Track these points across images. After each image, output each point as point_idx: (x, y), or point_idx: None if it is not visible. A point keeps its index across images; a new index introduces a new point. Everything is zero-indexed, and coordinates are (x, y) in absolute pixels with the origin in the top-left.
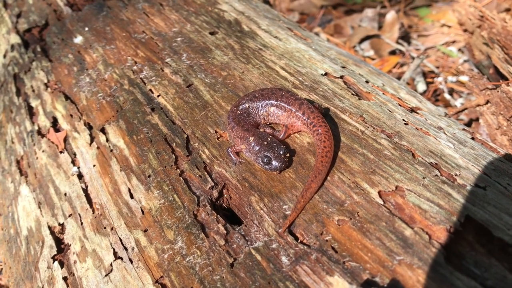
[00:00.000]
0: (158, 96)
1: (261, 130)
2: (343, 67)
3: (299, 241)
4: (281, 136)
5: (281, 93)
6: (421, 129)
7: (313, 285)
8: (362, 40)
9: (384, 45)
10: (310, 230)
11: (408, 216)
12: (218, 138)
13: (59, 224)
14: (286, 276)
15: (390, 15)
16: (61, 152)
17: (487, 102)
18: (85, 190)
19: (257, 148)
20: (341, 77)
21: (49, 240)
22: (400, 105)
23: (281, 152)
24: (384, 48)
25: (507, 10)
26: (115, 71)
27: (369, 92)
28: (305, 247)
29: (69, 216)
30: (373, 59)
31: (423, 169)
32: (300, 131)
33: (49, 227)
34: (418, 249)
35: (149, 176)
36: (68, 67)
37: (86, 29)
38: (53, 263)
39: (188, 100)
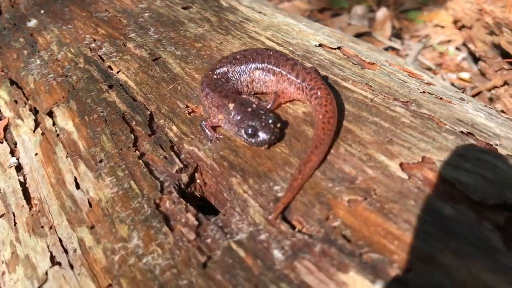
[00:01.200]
0: (118, 72)
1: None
2: (339, 42)
3: (296, 229)
4: (270, 105)
5: (268, 53)
6: (441, 98)
7: (319, 286)
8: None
9: (376, 43)
10: (311, 215)
11: (443, 193)
12: (189, 114)
13: None
14: (281, 275)
15: (381, 13)
16: (0, 142)
17: (505, 83)
18: (22, 184)
19: (239, 117)
20: (339, 48)
21: None
22: (412, 76)
23: (270, 121)
24: (376, 45)
25: (503, 7)
26: (70, 50)
27: (373, 63)
28: (306, 236)
29: (1, 216)
30: None
31: (453, 137)
32: (294, 100)
33: None
34: (464, 232)
35: (100, 161)
36: (17, 51)
37: (42, 11)
38: None
39: (154, 74)
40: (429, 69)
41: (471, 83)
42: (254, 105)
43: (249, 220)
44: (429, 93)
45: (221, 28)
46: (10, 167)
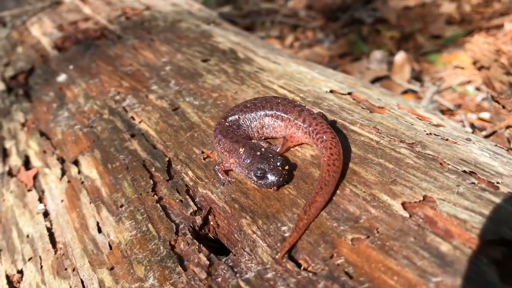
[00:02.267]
0: (140, 122)
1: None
2: (351, 87)
3: (302, 268)
4: (279, 149)
5: (277, 100)
6: (447, 139)
7: None
8: (372, 83)
9: (395, 86)
10: (316, 254)
11: (442, 230)
12: (204, 159)
13: (18, 272)
14: None
15: (400, 56)
16: (29, 190)
17: None
18: (49, 229)
19: (249, 160)
20: (349, 93)
21: None
22: (420, 119)
23: (278, 164)
24: (395, 89)
25: None
26: (95, 103)
27: (382, 107)
28: (310, 274)
29: (29, 260)
30: None
31: (455, 176)
32: (302, 143)
33: (7, 276)
34: (460, 267)
35: (121, 206)
36: (47, 104)
37: (71, 67)
38: None
39: (173, 123)
40: (448, 110)
41: (492, 123)
42: (263, 149)
43: (258, 260)
44: (435, 134)
45: (236, 78)
46: (38, 213)
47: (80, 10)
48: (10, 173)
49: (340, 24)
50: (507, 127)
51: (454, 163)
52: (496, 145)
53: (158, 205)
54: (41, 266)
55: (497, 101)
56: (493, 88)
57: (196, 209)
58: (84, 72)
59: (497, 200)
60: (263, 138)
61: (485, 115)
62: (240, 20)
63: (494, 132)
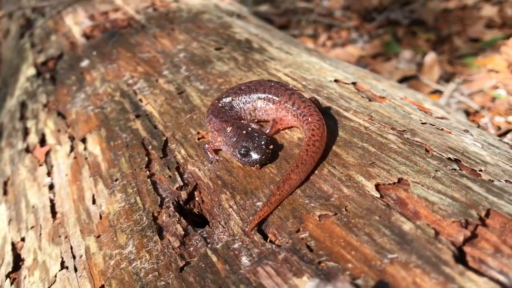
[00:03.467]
0: (146, 104)
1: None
2: (359, 78)
3: (268, 240)
4: (268, 131)
5: (270, 84)
6: (442, 129)
7: None
8: (399, 82)
9: (422, 86)
10: (284, 228)
11: (411, 212)
12: (198, 139)
13: (21, 239)
14: (242, 278)
15: (430, 57)
16: (40, 165)
17: None
18: (51, 200)
19: (235, 139)
20: (353, 83)
21: (9, 257)
22: (420, 109)
23: (263, 143)
24: (422, 89)
25: None
26: (110, 86)
27: (383, 97)
28: (274, 246)
29: (31, 228)
30: None
31: (437, 162)
32: (291, 126)
33: (12, 243)
34: (418, 246)
35: (116, 180)
36: (68, 87)
37: (94, 53)
38: (5, 281)
39: (176, 106)
40: (476, 112)
41: None
42: (250, 129)
43: (230, 232)
44: (430, 124)
45: (245, 66)
46: (44, 186)
47: (112, 1)
48: (28, 150)
49: (376, 24)
50: None
51: (441, 150)
52: (499, 140)
53: (149, 180)
54: (40, 234)
55: None
56: None
57: (182, 184)
58: (105, 58)
59: (473, 186)
60: (255, 120)
61: None
62: (276, 18)
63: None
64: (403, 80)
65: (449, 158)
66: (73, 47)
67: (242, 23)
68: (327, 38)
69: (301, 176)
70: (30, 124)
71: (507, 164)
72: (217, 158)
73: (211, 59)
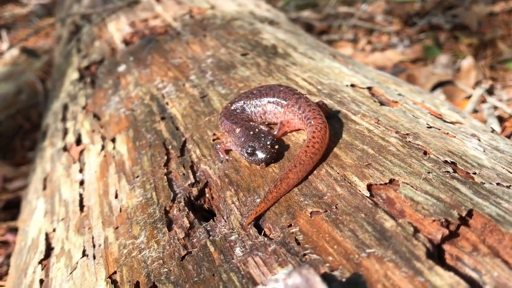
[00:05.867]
0: (171, 107)
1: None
2: (377, 83)
3: (262, 233)
4: (276, 132)
5: (280, 88)
6: (447, 133)
7: (259, 277)
8: (435, 87)
9: (458, 92)
10: (278, 223)
11: (398, 210)
12: (213, 140)
13: (53, 230)
14: (233, 267)
15: (467, 62)
16: (74, 163)
17: None
18: (80, 195)
19: (243, 138)
20: (369, 88)
21: (42, 246)
22: (431, 114)
23: (268, 143)
24: (458, 94)
25: None
26: (141, 90)
27: (396, 101)
28: (266, 239)
29: (61, 220)
30: None
31: (432, 165)
32: (299, 129)
33: (46, 234)
34: (396, 242)
35: (137, 177)
36: (105, 91)
37: (131, 58)
38: (37, 267)
39: (197, 109)
40: (511, 117)
41: None
42: (257, 130)
43: (230, 225)
44: (436, 128)
45: (266, 71)
46: (76, 182)
47: (153, 9)
48: (65, 148)
49: (417, 29)
50: None
51: (439, 153)
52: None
53: (165, 177)
54: (68, 225)
55: None
56: None
57: (194, 181)
58: (140, 63)
59: (462, 187)
60: (265, 122)
61: None
62: (317, 23)
63: None
64: (439, 85)
65: (445, 161)
66: (113, 53)
67: (272, 29)
68: (366, 42)
69: (298, 175)
70: (69, 124)
71: (504, 168)
72: (227, 157)
73: (236, 64)
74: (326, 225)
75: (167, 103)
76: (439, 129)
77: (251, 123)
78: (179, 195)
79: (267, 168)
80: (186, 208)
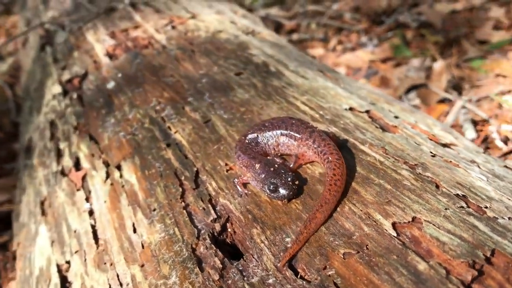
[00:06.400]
0: (175, 132)
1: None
2: (372, 104)
3: (299, 276)
4: (291, 165)
5: (292, 121)
6: (450, 161)
7: None
8: (408, 90)
9: (431, 95)
10: (312, 265)
11: (425, 250)
12: (227, 171)
13: (66, 262)
14: None
15: (438, 64)
16: (78, 190)
17: None
18: (93, 226)
19: (263, 175)
20: (367, 111)
21: (55, 279)
22: (430, 139)
23: (289, 179)
24: (431, 97)
25: None
26: (139, 112)
27: (396, 126)
28: (305, 282)
29: (75, 252)
30: (418, 108)
31: (446, 200)
32: (313, 161)
33: (57, 265)
34: (432, 285)
35: (154, 210)
36: (97, 110)
37: (120, 75)
38: None
39: (203, 135)
40: (484, 121)
41: None
42: (277, 165)
43: (263, 266)
44: (440, 156)
45: (264, 93)
46: (84, 212)
47: (132, 17)
48: (63, 172)
49: (385, 27)
50: None
51: (450, 186)
52: (505, 166)
53: (185, 211)
54: (85, 259)
55: None
56: None
57: (216, 217)
58: (130, 81)
59: (480, 225)
60: (278, 154)
61: None
62: (286, 21)
63: None
64: (412, 88)
65: (457, 195)
66: (97, 67)
67: (258, 42)
68: (337, 42)
69: (325, 214)
70: (62, 146)
71: (510, 200)
72: (246, 192)
73: (232, 85)
74: (362, 267)
75: (169, 128)
76: (442, 157)
77: (268, 157)
78: (202, 231)
79: (290, 204)
80: (213, 245)
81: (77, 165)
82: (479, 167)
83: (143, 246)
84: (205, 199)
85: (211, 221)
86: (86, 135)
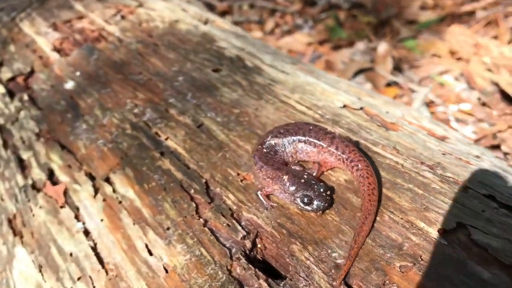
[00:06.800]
0: (166, 139)
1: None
2: (359, 98)
3: None
4: (314, 174)
5: (309, 127)
6: (461, 158)
7: None
8: (356, 74)
9: (378, 77)
10: (369, 280)
11: (478, 257)
12: (241, 181)
13: None
14: None
15: (382, 47)
16: (61, 207)
17: (509, 127)
18: (93, 249)
19: (294, 187)
20: (361, 108)
21: None
22: (430, 135)
23: (322, 190)
24: (379, 80)
25: (495, 37)
26: (114, 116)
27: (393, 123)
28: None
29: (78, 279)
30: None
31: (478, 201)
32: (334, 167)
33: None
34: None
35: (168, 229)
36: (61, 114)
37: (78, 73)
38: None
39: (201, 142)
40: (432, 102)
41: (473, 115)
42: (305, 176)
43: (315, 285)
44: (449, 154)
45: (252, 92)
46: (78, 232)
47: (71, 6)
48: (35, 187)
49: (318, 9)
50: (498, 131)
51: (474, 186)
52: (496, 157)
53: (206, 228)
54: (94, 287)
55: (489, 106)
56: (475, 83)
57: (244, 233)
58: (93, 80)
59: None
60: (296, 161)
61: (466, 106)
62: (217, 3)
63: (484, 137)
64: (359, 72)
65: (484, 195)
66: (45, 63)
67: (221, 33)
68: (274, 25)
69: (369, 226)
70: (26, 155)
71: None
72: (272, 204)
73: (214, 83)
74: (424, 280)
75: (157, 134)
76: (451, 154)
77: (293, 167)
78: (234, 250)
79: (324, 216)
80: (250, 266)
81: (51, 178)
82: (483, 161)
83: (166, 271)
84: (226, 214)
85: (241, 238)
86: (55, 144)
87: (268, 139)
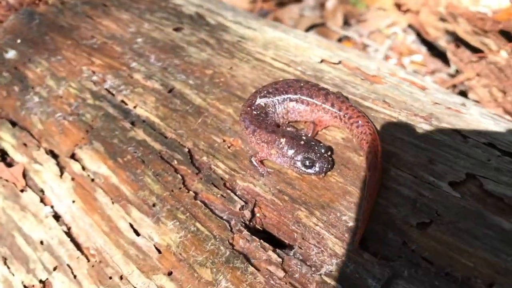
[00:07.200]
0: (134, 107)
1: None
2: (332, 52)
3: (378, 257)
4: (310, 134)
5: (299, 84)
6: (450, 108)
7: None
8: (307, 30)
9: (330, 33)
10: (387, 242)
11: (495, 208)
12: (229, 147)
13: (40, 281)
14: None
15: (331, 2)
16: (22, 190)
17: (477, 75)
18: (68, 234)
19: (293, 150)
20: (340, 62)
21: None
22: (412, 84)
23: (323, 151)
24: (331, 36)
25: None
26: (70, 85)
27: (375, 76)
28: (391, 263)
29: (54, 269)
30: None
31: (481, 150)
32: (328, 126)
33: (25, 287)
34: None
35: (154, 205)
36: (6, 87)
37: (19, 41)
38: None
39: (175, 108)
40: (386, 56)
41: (425, 66)
42: (304, 137)
43: (329, 252)
44: (438, 103)
45: (223, 50)
46: (47, 217)
47: None
48: None
49: None
50: (466, 79)
51: (472, 134)
52: (475, 105)
53: (198, 201)
54: (75, 276)
55: (455, 55)
56: (427, 34)
57: (243, 203)
58: (39, 48)
59: None
60: (287, 122)
61: (418, 57)
62: None
63: (454, 85)
64: (311, 27)
65: (484, 143)
66: None
67: None
68: None
69: (379, 183)
70: None
71: None
72: (268, 170)
73: (179, 43)
74: (444, 236)
75: (123, 102)
76: (441, 104)
77: (288, 129)
78: (233, 222)
79: (327, 178)
80: (254, 237)
81: (5, 160)
82: (471, 109)
83: (159, 251)
84: (218, 185)
85: (240, 209)
86: (3, 121)
87: (257, 100)
